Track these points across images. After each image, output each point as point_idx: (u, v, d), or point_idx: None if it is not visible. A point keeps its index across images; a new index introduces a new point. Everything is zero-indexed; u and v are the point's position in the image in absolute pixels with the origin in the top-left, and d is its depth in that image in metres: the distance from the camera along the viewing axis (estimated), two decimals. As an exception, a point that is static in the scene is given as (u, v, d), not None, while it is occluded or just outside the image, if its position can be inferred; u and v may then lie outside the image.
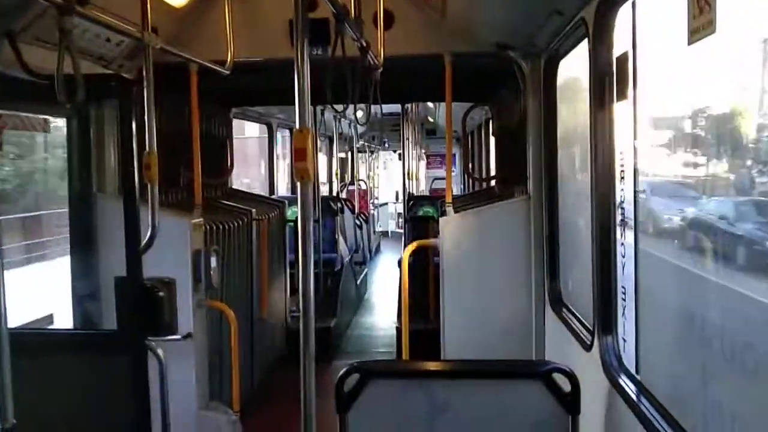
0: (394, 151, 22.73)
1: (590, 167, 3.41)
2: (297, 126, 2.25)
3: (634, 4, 3.05)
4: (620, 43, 3.18)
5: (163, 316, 3.78)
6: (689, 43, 2.27)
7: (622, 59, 3.14)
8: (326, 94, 2.99)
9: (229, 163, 7.11)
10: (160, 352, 3.67)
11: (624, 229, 3.28)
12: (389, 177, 25.56)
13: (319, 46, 4.32)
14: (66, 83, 2.78)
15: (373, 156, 22.85)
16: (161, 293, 3.78)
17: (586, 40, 3.38)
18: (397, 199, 20.74)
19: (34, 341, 3.71)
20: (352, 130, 15.41)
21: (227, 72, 4.66)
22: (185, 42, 4.67)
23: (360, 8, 3.48)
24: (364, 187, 17.87)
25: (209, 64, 4.56)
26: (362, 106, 4.02)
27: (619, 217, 3.30)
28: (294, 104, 2.25)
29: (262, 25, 4.79)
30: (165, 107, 5.34)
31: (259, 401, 6.27)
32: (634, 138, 3.19)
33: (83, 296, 4.75)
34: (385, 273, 14.23)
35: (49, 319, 4.72)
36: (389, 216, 21.46)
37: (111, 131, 4.90)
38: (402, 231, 13.53)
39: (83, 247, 4.80)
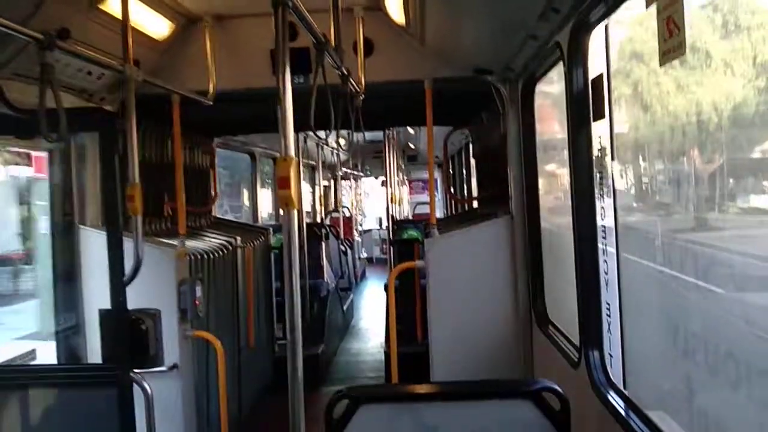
0: (376, 178, 22.84)
1: (570, 186, 3.46)
2: (280, 154, 2.27)
3: (606, 28, 3.14)
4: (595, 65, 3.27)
5: (148, 347, 3.76)
6: (661, 65, 2.35)
7: (597, 81, 3.22)
8: (309, 121, 3.03)
9: (213, 192, 7.11)
10: (146, 384, 3.62)
11: (606, 245, 3.33)
12: (372, 205, 25.63)
13: (301, 74, 4.37)
14: (48, 117, 2.80)
15: (357, 183, 22.94)
16: (146, 325, 3.76)
17: (561, 63, 3.46)
18: (380, 225, 20.76)
19: (18, 377, 3.66)
20: (335, 158, 15.48)
21: (209, 102, 4.70)
22: (167, 73, 4.71)
23: (340, 37, 3.53)
24: (348, 213, 17.89)
25: (191, 95, 4.59)
26: (344, 133, 4.07)
27: (600, 233, 3.35)
28: (277, 132, 2.28)
29: (243, 56, 4.84)
30: (147, 138, 5.35)
31: (248, 431, 6.19)
32: (612, 157, 3.26)
33: (67, 330, 4.70)
34: (371, 298, 14.18)
35: (32, 354, 4.67)
36: (373, 242, 21.48)
37: (93, 163, 4.90)
38: (386, 257, 13.51)
39: (66, 280, 4.76)
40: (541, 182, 4.78)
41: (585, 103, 3.27)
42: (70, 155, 4.86)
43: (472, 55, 4.65)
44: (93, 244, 4.66)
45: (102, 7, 3.82)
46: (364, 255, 19.68)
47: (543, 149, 4.78)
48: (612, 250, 3.29)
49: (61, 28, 3.51)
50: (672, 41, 2.23)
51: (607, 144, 3.25)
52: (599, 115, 3.22)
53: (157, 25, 4.54)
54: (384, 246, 18.95)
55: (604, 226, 3.33)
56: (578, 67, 3.29)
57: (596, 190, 3.32)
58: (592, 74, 3.24)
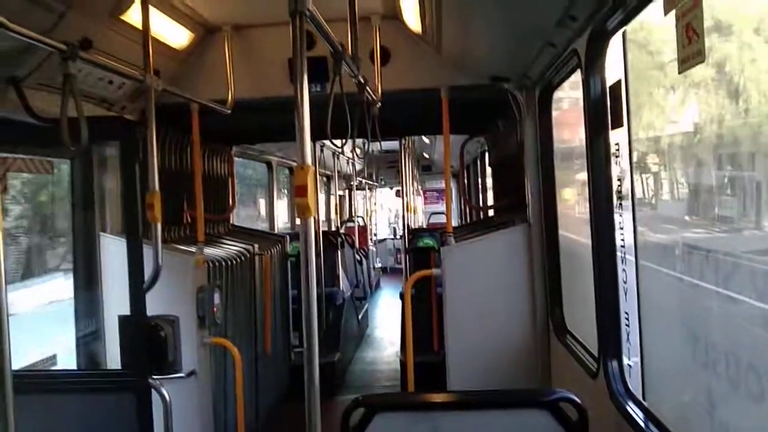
0: (391, 188, 22.86)
1: (588, 194, 3.44)
2: (297, 163, 2.28)
3: (624, 35, 3.13)
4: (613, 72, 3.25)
5: (167, 354, 3.79)
6: (680, 72, 2.33)
7: (615, 88, 3.21)
8: (326, 130, 3.04)
9: (231, 200, 7.16)
10: (164, 390, 3.65)
11: (624, 254, 3.30)
12: (385, 216, 25.63)
13: (318, 83, 4.40)
14: (70, 126, 2.84)
15: (372, 193, 22.98)
16: (165, 331, 3.80)
17: (579, 70, 3.45)
18: (395, 235, 20.73)
19: (39, 382, 3.70)
20: (350, 168, 15.52)
21: (228, 111, 4.74)
22: (186, 82, 4.76)
23: (357, 46, 3.55)
24: (362, 223, 17.92)
25: (210, 104, 4.64)
26: (360, 143, 4.07)
27: (619, 243, 3.32)
28: (294, 141, 2.29)
29: (261, 65, 4.88)
30: (167, 147, 5.41)
31: None
32: (630, 165, 3.23)
33: (87, 335, 4.75)
34: (386, 308, 14.17)
35: (53, 359, 4.74)
36: (388, 252, 21.48)
37: (114, 172, 4.96)
38: (401, 266, 13.49)
39: (87, 286, 4.81)
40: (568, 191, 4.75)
41: (603, 111, 3.26)
42: (92, 163, 4.93)
43: (488, 63, 4.65)
44: (113, 251, 4.71)
45: (123, 17, 3.88)
46: (379, 264, 19.69)
47: (561, 157, 4.76)
48: (631, 258, 3.26)
49: (83, 38, 3.57)
50: (691, 48, 2.22)
51: (635, 151, 3.22)
52: (617, 124, 3.20)
53: (176, 35, 4.60)
54: (398, 256, 18.93)
55: (623, 235, 3.30)
56: (596, 74, 3.28)
57: (615, 199, 3.30)
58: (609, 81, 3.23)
